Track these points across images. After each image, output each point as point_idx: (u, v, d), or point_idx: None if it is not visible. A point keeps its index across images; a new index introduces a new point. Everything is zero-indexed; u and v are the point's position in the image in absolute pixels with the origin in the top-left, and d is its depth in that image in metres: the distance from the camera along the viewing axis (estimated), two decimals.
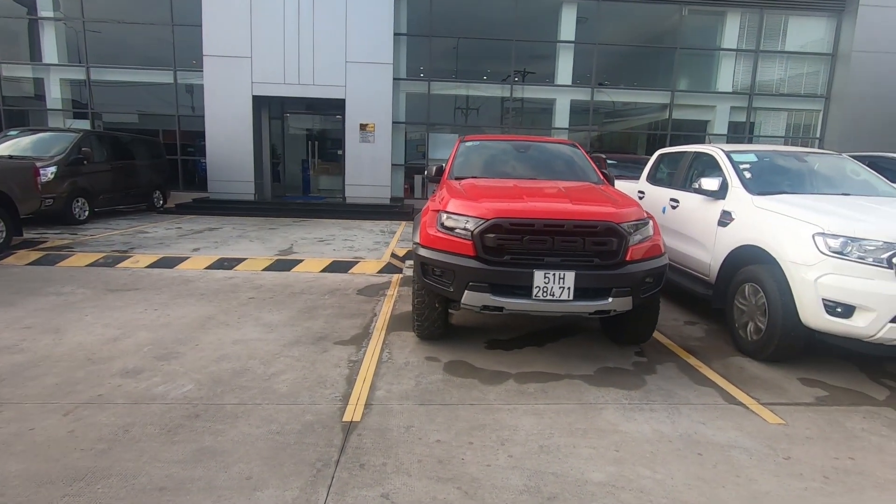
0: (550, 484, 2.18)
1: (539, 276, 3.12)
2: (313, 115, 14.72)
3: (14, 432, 2.44)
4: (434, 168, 4.64)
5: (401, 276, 6.16)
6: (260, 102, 12.40)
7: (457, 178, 4.37)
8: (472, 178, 4.34)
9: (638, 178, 6.25)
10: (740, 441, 2.58)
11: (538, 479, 2.20)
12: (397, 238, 8.83)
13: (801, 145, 14.18)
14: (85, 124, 13.12)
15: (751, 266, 3.77)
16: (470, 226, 3.28)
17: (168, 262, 6.27)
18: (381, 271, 6.32)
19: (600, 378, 3.31)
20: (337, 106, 12.68)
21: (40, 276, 5.58)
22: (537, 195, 3.61)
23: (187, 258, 6.45)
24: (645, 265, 3.29)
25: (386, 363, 3.45)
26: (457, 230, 3.34)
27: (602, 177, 4.59)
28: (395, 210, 12.00)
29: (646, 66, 14.96)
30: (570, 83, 13.72)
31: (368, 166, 12.38)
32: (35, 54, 13.47)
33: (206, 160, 12.84)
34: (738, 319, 3.87)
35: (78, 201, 9.08)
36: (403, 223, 11.02)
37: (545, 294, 3.14)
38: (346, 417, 2.69)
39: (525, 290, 3.18)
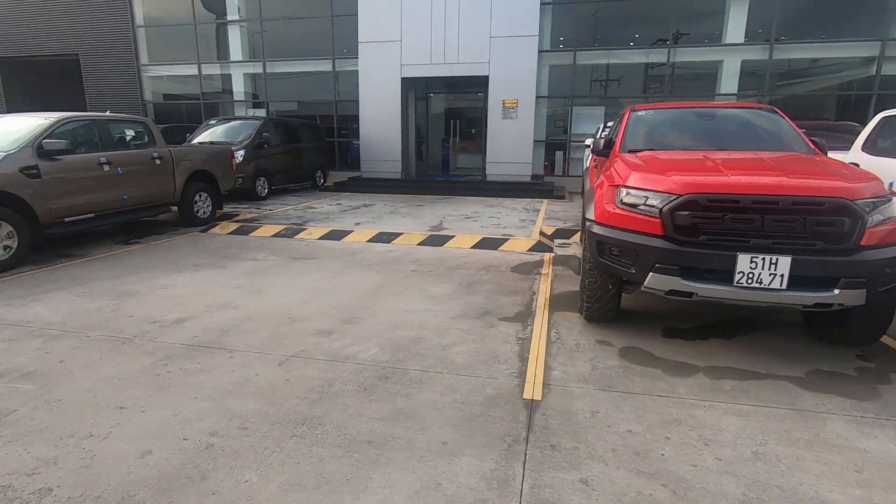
0: (777, 499, 1.90)
1: (744, 261, 2.73)
2: (455, 95, 14.96)
3: (245, 376, 2.85)
4: (602, 141, 4.33)
5: (551, 254, 5.99)
6: (407, 84, 12.91)
7: (630, 151, 4.02)
8: (650, 150, 3.96)
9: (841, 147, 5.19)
10: None
11: (760, 491, 1.93)
12: (542, 216, 8.62)
13: None
14: (261, 112, 14.98)
15: None
16: (656, 202, 2.98)
17: (336, 235, 6.89)
18: (531, 249, 6.21)
19: (815, 382, 2.83)
20: (479, 83, 12.68)
21: (239, 243, 6.51)
22: (739, 167, 3.14)
23: (351, 231, 7.02)
24: (887, 252, 2.69)
25: (555, 343, 3.35)
26: (640, 207, 3.06)
27: (813, 146, 3.87)
28: (536, 188, 11.73)
29: (842, 12, 12.37)
30: (741, 41, 11.94)
31: (510, 143, 12.24)
32: (221, 54, 15.66)
33: (357, 142, 13.86)
34: None
35: (260, 180, 10.43)
36: (546, 201, 10.73)
37: (750, 281, 2.74)
38: (527, 395, 2.66)
39: (723, 276, 2.81)
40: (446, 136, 15.52)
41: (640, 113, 4.54)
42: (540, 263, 5.57)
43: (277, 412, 2.47)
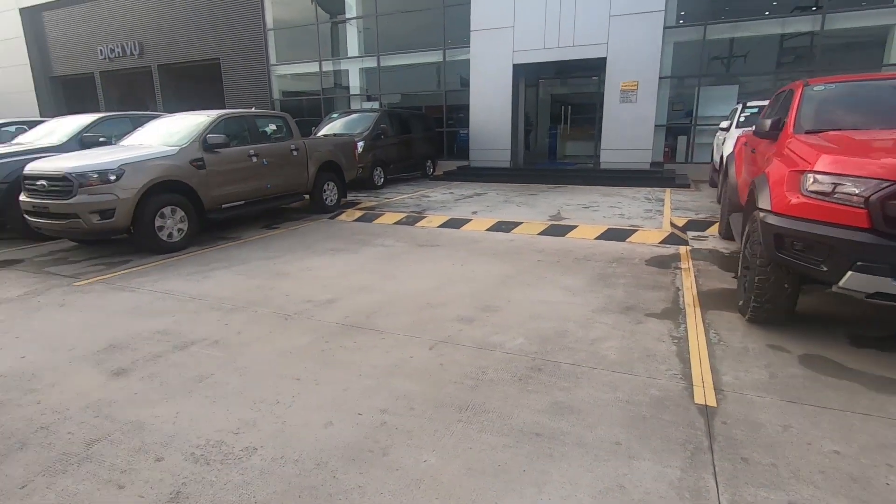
0: None
1: None
2: (566, 80, 14.42)
3: (400, 357, 2.96)
4: (768, 121, 3.85)
5: (687, 248, 5.52)
6: (518, 71, 12.68)
7: (808, 132, 3.52)
8: (836, 130, 3.44)
9: None
10: None
11: None
12: (668, 206, 8.01)
13: None
14: (374, 105, 15.64)
15: None
16: (860, 189, 2.56)
17: (455, 223, 6.97)
18: (663, 242, 5.78)
19: None
20: (594, 66, 12.08)
21: (365, 230, 6.85)
22: None
23: (469, 220, 7.06)
24: None
25: (718, 345, 3.06)
26: (836, 195, 2.65)
27: None
28: (657, 176, 10.94)
29: None
30: None
31: (628, 128, 11.53)
32: (339, 51, 16.55)
33: (465, 131, 13.93)
34: None
35: (377, 169, 10.91)
36: (668, 190, 9.97)
37: None
38: (698, 400, 2.44)
39: None
40: (555, 123, 15.05)
41: (816, 88, 3.95)
42: (676, 257, 5.16)
43: (438, 395, 2.52)
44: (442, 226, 6.93)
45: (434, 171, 13.51)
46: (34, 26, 21.29)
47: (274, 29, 16.89)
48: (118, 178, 5.14)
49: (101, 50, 20.03)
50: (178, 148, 5.82)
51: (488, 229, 6.64)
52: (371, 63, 15.68)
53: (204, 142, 6.02)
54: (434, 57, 14.65)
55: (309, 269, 4.90)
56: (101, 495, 1.85)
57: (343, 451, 2.09)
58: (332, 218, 7.79)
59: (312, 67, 16.67)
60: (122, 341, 3.24)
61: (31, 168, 5.36)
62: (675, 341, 3.13)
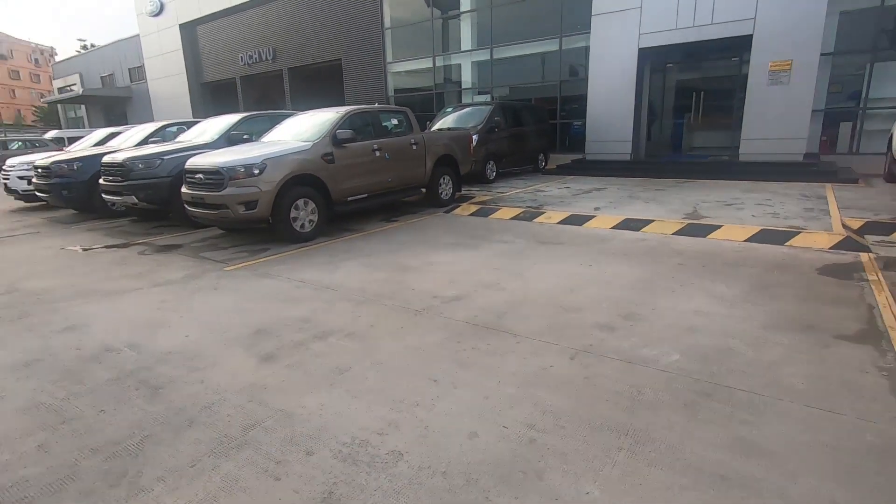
0: None
1: None
2: (699, 63, 13.04)
3: (539, 366, 2.74)
4: None
5: (870, 255, 4.60)
6: (644, 56, 11.69)
7: None
8: None
9: None
10: None
11: None
12: (835, 204, 6.81)
13: None
14: (486, 98, 15.50)
15: None
16: None
17: (576, 220, 6.55)
18: (836, 247, 4.87)
19: None
20: (735, 46, 10.74)
21: (482, 225, 6.71)
22: None
23: (592, 217, 6.59)
24: None
25: None
26: None
27: None
28: (812, 169, 9.44)
29: None
30: None
31: (776, 115, 10.07)
32: (448, 45, 16.63)
33: (578, 123, 13.22)
34: None
35: (489, 163, 10.75)
36: (830, 185, 8.54)
37: None
38: None
39: None
40: (681, 111, 13.71)
41: None
42: (858, 266, 4.31)
43: (590, 414, 2.26)
44: (562, 222, 6.56)
45: (546, 164, 13.03)
46: (190, 39, 24.31)
47: (391, 28, 17.46)
48: (261, 172, 5.52)
49: (241, 57, 22.29)
50: (311, 143, 6.13)
51: (614, 227, 6.14)
52: (483, 56, 15.54)
53: (334, 137, 6.28)
54: (549, 46, 14.09)
55: (431, 264, 4.87)
56: (259, 484, 1.88)
57: (492, 467, 1.92)
58: (447, 212, 7.77)
59: (425, 63, 16.96)
60: (268, 327, 3.41)
61: (191, 163, 5.98)
62: (885, 374, 2.52)
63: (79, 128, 32.14)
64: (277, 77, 21.52)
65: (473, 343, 3.04)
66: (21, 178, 9.57)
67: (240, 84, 23.15)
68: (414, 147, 7.48)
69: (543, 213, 7.03)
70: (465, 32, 16.02)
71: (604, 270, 4.45)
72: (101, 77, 32.43)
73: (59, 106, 39.26)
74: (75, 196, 8.07)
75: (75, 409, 2.44)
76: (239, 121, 8.02)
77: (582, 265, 4.65)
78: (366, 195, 6.83)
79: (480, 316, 3.47)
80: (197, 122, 9.14)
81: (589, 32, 12.21)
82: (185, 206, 6.07)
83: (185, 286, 4.43)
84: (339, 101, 18.99)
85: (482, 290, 4.03)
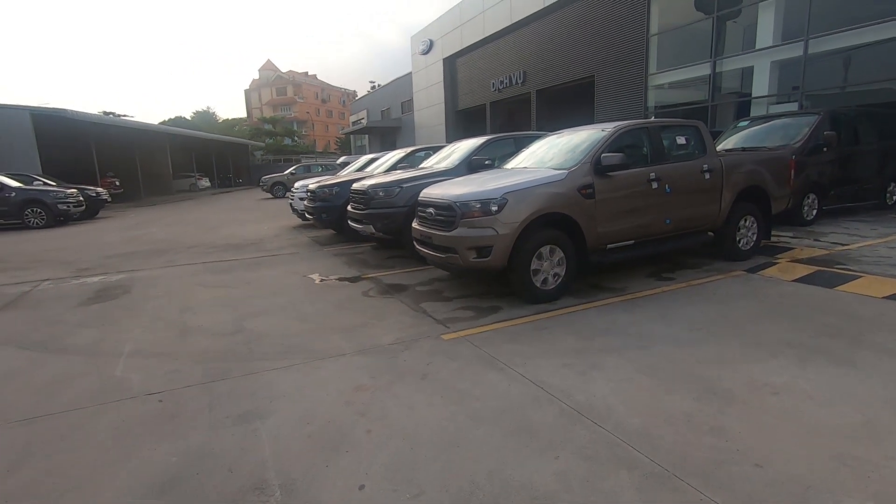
0: None
1: None
2: None
3: None
4: None
5: None
6: None
7: None
8: None
9: None
10: None
11: None
12: None
13: None
14: (792, 107, 11.61)
15: None
16: None
17: None
18: None
19: None
20: None
21: (831, 306, 4.05)
22: None
23: None
24: None
25: None
26: None
27: None
28: None
29: None
30: None
31: None
32: (728, 47, 13.14)
33: None
34: None
35: (809, 197, 7.50)
36: None
37: None
38: None
39: None
40: None
41: None
42: None
43: None
44: None
45: None
46: (450, 71, 26.26)
47: (658, 33, 14.97)
48: (499, 210, 4.26)
49: (493, 83, 22.79)
50: (565, 171, 4.62)
51: None
52: (790, 52, 11.70)
53: (597, 163, 4.63)
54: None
55: (764, 387, 2.73)
56: None
57: None
58: (751, 271, 5.26)
59: (699, 71, 13.89)
60: (488, 490, 1.95)
61: (424, 194, 5.15)
62: None
63: (361, 154, 38.75)
64: (524, 101, 21.19)
65: None
66: (301, 199, 10.83)
67: (489, 109, 23.75)
68: (707, 175, 5.26)
69: None
70: (765, 24, 12.40)
71: None
72: (381, 111, 38.34)
73: (350, 137, 48.59)
74: (331, 219, 8.43)
75: None
76: (482, 144, 7.13)
77: None
78: (632, 241, 4.96)
79: None
80: (441, 147, 8.73)
81: None
82: (414, 243, 5.28)
83: (391, 362, 3.38)
84: (588, 122, 17.32)
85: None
